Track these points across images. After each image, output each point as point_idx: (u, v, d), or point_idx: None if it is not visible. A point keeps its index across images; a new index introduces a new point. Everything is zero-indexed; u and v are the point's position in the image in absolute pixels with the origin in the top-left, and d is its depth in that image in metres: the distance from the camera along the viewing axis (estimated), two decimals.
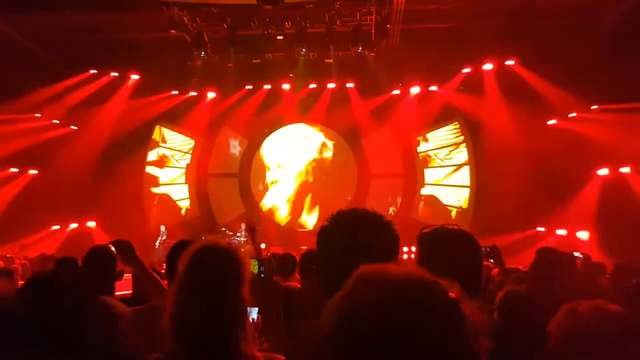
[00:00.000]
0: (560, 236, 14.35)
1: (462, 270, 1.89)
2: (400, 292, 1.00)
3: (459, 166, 17.60)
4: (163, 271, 4.39)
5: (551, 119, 15.04)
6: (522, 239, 13.91)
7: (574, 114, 14.35)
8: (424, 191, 17.82)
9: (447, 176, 17.71)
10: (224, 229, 16.57)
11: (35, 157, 15.02)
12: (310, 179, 18.40)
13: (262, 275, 4.84)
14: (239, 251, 2.13)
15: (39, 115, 14.79)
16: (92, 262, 3.39)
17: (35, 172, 15.45)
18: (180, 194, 18.42)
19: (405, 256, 9.86)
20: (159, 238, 16.03)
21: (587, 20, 12.08)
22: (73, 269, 3.51)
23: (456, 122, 17.54)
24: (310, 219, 18.03)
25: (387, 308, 0.97)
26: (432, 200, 17.71)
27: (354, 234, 1.74)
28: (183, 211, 18.20)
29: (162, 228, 16.25)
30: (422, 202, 17.78)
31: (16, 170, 15.01)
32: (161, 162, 18.31)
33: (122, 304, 2.09)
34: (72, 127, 15.98)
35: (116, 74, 15.60)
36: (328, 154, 18.41)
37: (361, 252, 1.64)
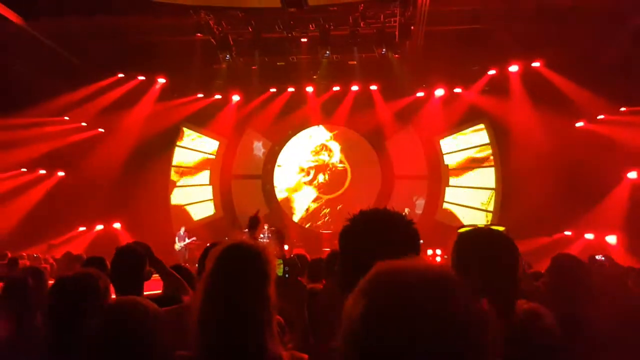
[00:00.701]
0: (588, 240, 14.12)
1: (498, 279, 1.92)
2: (418, 293, 0.94)
3: (485, 168, 17.45)
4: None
5: (579, 121, 14.81)
6: (549, 243, 13.76)
7: (602, 116, 14.11)
8: (448, 195, 17.73)
9: (472, 178, 17.59)
10: (246, 230, 16.65)
11: (63, 160, 15.32)
12: (333, 181, 18.46)
13: (287, 275, 4.88)
14: (265, 250, 2.13)
15: (67, 118, 15.12)
16: (120, 263, 3.42)
17: (63, 174, 15.79)
18: (204, 195, 18.64)
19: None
20: (177, 240, 16.16)
21: (615, 21, 11.88)
22: (101, 269, 3.58)
23: (481, 124, 17.42)
24: (332, 221, 18.10)
25: (402, 313, 0.92)
26: (456, 205, 17.62)
27: (373, 233, 1.76)
28: (206, 211, 18.41)
29: (182, 229, 16.45)
30: (445, 205, 17.69)
31: (44, 172, 15.35)
32: (185, 162, 18.57)
33: (153, 303, 2.14)
34: (100, 129, 16.34)
35: (143, 78, 15.88)
36: (351, 155, 18.46)
37: (381, 251, 1.61)
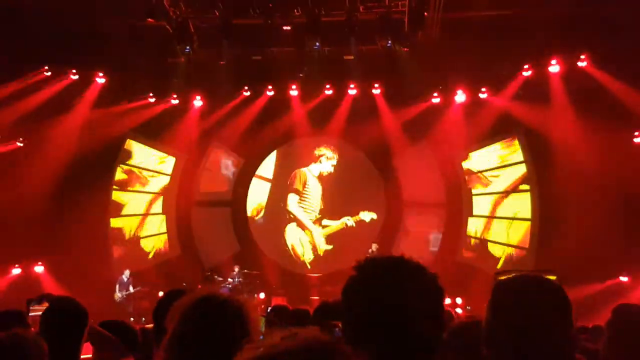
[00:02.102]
0: None
1: (550, 345, 1.97)
2: None
3: (519, 194, 17.49)
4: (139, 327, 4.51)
5: (638, 134, 14.96)
6: (599, 292, 13.81)
7: None
8: (472, 228, 17.76)
9: (503, 207, 17.64)
10: (211, 273, 16.53)
11: None
12: (326, 209, 18.40)
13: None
14: (245, 305, 2.16)
15: None
16: (52, 321, 3.40)
17: None
18: (155, 228, 18.48)
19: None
20: (118, 287, 15.97)
21: None
22: (21, 326, 3.55)
23: (514, 138, 17.51)
24: (323, 261, 17.99)
25: None
26: (481, 241, 17.67)
27: (388, 290, 1.77)
28: (151, 255, 18.21)
29: (126, 273, 16.22)
30: (469, 241, 17.70)
31: None
32: (129, 186, 18.43)
33: None
34: (19, 143, 15.99)
35: (77, 75, 15.73)
36: (348, 178, 18.38)
37: (397, 314, 1.71)
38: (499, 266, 16.95)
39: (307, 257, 18.22)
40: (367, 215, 17.98)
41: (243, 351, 1.27)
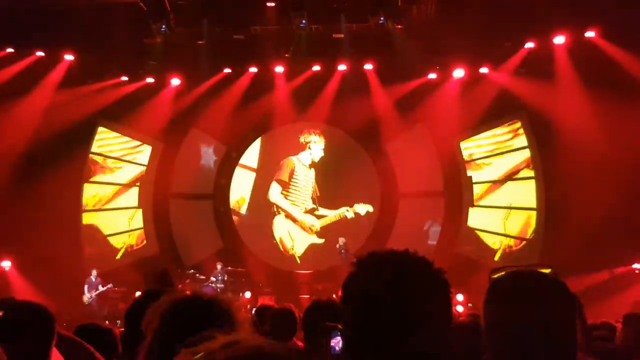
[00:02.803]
0: None
1: (553, 346, 1.96)
2: None
3: (522, 180, 17.49)
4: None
5: None
6: (609, 281, 14.00)
7: None
8: (472, 219, 17.74)
9: (505, 194, 17.61)
10: (192, 271, 16.46)
11: None
12: (315, 199, 18.27)
13: None
14: (231, 305, 2.18)
15: None
16: (14, 329, 3.26)
17: None
18: (130, 223, 18.30)
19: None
20: (86, 288, 15.83)
21: None
22: None
23: (517, 119, 17.47)
24: (312, 256, 17.88)
25: None
26: (482, 231, 17.66)
27: (393, 287, 1.73)
28: (121, 252, 18.02)
29: (94, 273, 16.02)
30: (469, 232, 17.71)
31: None
32: (102, 176, 18.25)
33: None
34: None
35: (42, 54, 15.58)
36: (337, 164, 18.25)
37: (403, 312, 1.70)
38: (496, 258, 16.97)
39: (297, 250, 18.03)
40: (362, 208, 17.87)
41: (179, 355, 1.27)
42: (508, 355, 1.99)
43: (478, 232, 17.68)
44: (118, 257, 17.90)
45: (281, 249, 18.26)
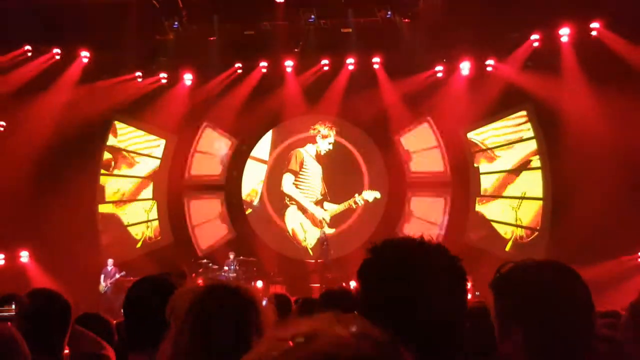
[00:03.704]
0: None
1: (566, 342, 1.97)
2: None
3: (529, 171, 17.55)
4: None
5: None
6: (616, 270, 13.88)
7: None
8: (484, 209, 17.89)
9: (513, 185, 17.73)
10: (205, 260, 16.62)
11: None
12: (325, 191, 18.44)
13: None
14: (255, 294, 2.18)
15: None
16: (33, 317, 3.32)
17: None
18: (146, 214, 18.54)
19: None
20: (102, 278, 16.01)
21: None
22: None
23: (523, 111, 17.50)
24: (324, 246, 18.00)
25: None
26: (482, 219, 17.82)
27: (409, 272, 1.72)
28: (140, 243, 18.32)
29: (110, 262, 16.23)
30: (476, 222, 17.86)
31: None
32: (117, 169, 18.51)
33: None
34: (0, 123, 16.11)
35: (59, 52, 15.75)
36: (347, 156, 18.47)
37: (418, 299, 1.67)
38: (507, 248, 17.09)
39: (310, 242, 18.14)
40: (370, 195, 18.05)
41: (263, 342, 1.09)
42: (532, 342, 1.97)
43: (492, 222, 17.70)
44: (138, 245, 18.15)
45: (293, 240, 18.41)
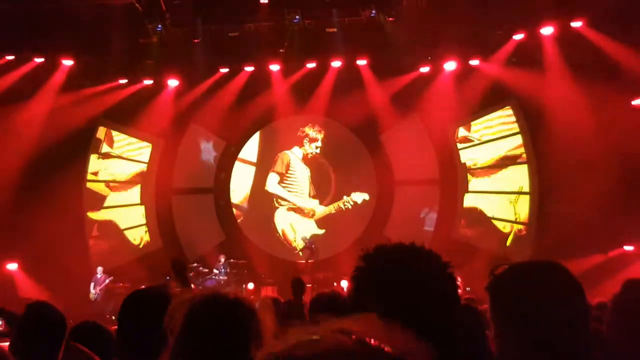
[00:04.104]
0: None
1: (563, 344, 1.99)
2: None
3: (515, 166, 17.67)
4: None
5: (637, 97, 15.04)
6: (603, 263, 14.00)
7: None
8: (468, 201, 17.98)
9: (500, 180, 17.81)
10: (195, 264, 16.62)
11: None
12: (314, 193, 18.52)
13: None
14: (254, 305, 2.17)
15: None
16: (27, 331, 3.38)
17: None
18: (134, 219, 18.53)
19: None
20: (92, 285, 15.98)
21: None
22: None
23: (508, 107, 17.61)
24: (313, 248, 18.04)
25: None
26: (477, 214, 17.87)
27: (402, 280, 1.72)
28: (130, 248, 18.20)
29: (99, 270, 16.21)
30: (464, 217, 17.92)
31: None
32: (104, 175, 18.42)
33: None
34: None
35: (42, 60, 15.64)
36: (335, 156, 18.49)
37: (413, 309, 1.64)
38: (508, 243, 17.23)
39: (300, 242, 18.19)
40: (359, 197, 18.11)
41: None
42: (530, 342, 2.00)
43: (490, 219, 17.79)
44: (129, 250, 18.12)
45: (284, 241, 18.46)
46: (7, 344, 3.48)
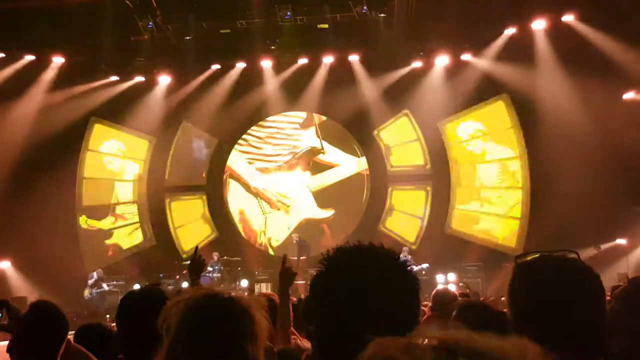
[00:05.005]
0: None
1: (581, 328, 1.99)
2: None
3: (507, 160, 17.72)
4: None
5: (628, 91, 15.05)
6: (596, 257, 13.92)
7: None
8: (460, 197, 18.01)
9: (492, 174, 17.85)
10: (189, 262, 16.52)
11: None
12: (307, 188, 18.50)
13: None
14: (249, 304, 2.14)
15: None
16: (31, 329, 3.33)
17: None
18: (127, 217, 18.46)
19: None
20: (89, 283, 15.94)
21: None
22: None
23: (500, 102, 17.63)
24: (303, 244, 18.04)
25: None
26: (470, 209, 17.90)
27: (356, 286, 1.68)
28: (124, 246, 18.24)
29: (99, 271, 16.16)
30: (457, 213, 17.91)
31: None
32: (97, 174, 18.37)
33: None
34: None
35: (33, 57, 15.57)
36: (328, 152, 18.52)
37: (369, 315, 1.61)
38: (501, 237, 17.27)
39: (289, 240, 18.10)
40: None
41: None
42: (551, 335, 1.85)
43: (483, 214, 17.85)
44: (123, 248, 18.07)
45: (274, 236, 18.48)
46: (6, 343, 3.45)
